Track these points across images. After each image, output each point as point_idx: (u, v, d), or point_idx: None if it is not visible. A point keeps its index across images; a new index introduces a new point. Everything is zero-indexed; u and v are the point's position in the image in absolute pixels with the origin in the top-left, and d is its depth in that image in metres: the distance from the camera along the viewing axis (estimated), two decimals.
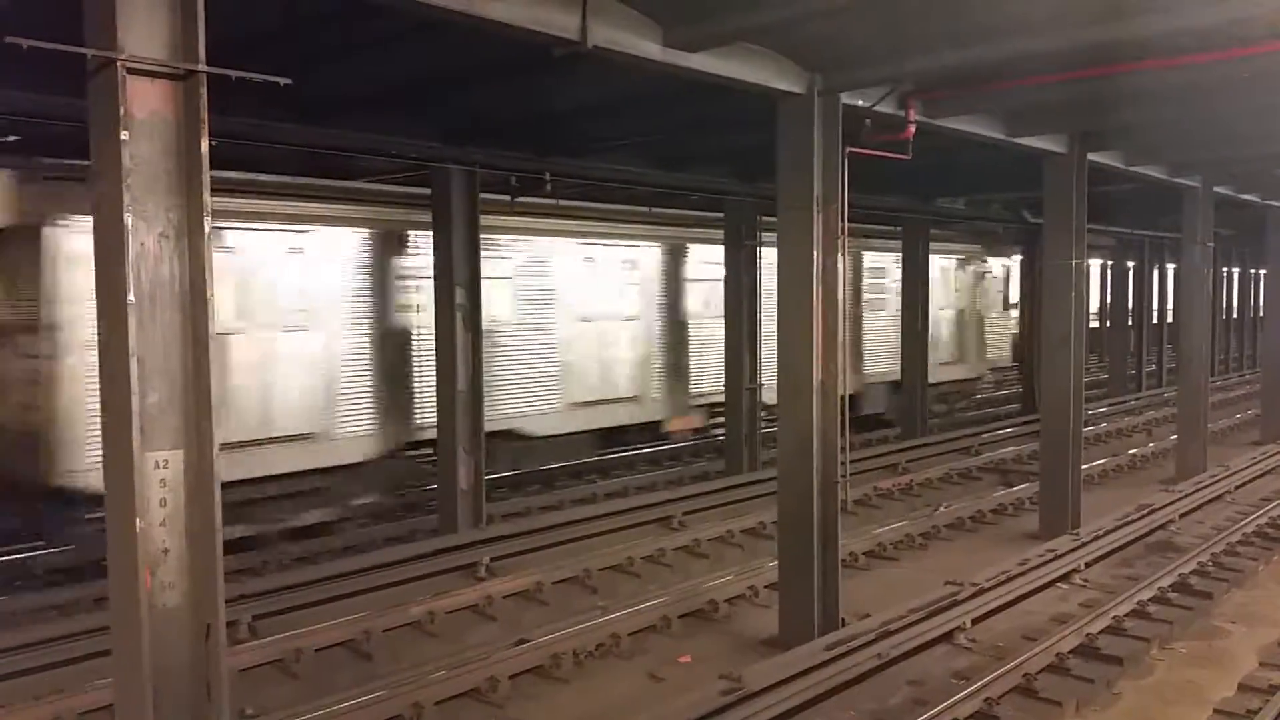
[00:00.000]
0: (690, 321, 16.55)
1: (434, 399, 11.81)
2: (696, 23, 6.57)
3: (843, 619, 8.04)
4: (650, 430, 16.32)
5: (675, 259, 16.50)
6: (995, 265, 23.56)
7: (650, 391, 15.96)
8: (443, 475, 11.68)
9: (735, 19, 6.48)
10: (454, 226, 11.51)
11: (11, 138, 9.36)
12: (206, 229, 4.42)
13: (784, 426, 8.07)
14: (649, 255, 16.11)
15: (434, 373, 11.73)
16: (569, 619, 8.36)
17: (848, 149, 7.94)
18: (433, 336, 11.77)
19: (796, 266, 7.94)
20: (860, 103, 8.04)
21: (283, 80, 4.82)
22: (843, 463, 7.97)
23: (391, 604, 8.80)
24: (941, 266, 20.85)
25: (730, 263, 15.54)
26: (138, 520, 4.21)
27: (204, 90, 4.40)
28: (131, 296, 4.23)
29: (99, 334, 4.37)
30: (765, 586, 9.12)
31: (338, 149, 10.67)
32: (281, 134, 9.70)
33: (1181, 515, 12.15)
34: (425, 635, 8.44)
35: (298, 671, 7.62)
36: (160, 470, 4.31)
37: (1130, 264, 27.64)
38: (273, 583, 9.32)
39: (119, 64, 4.17)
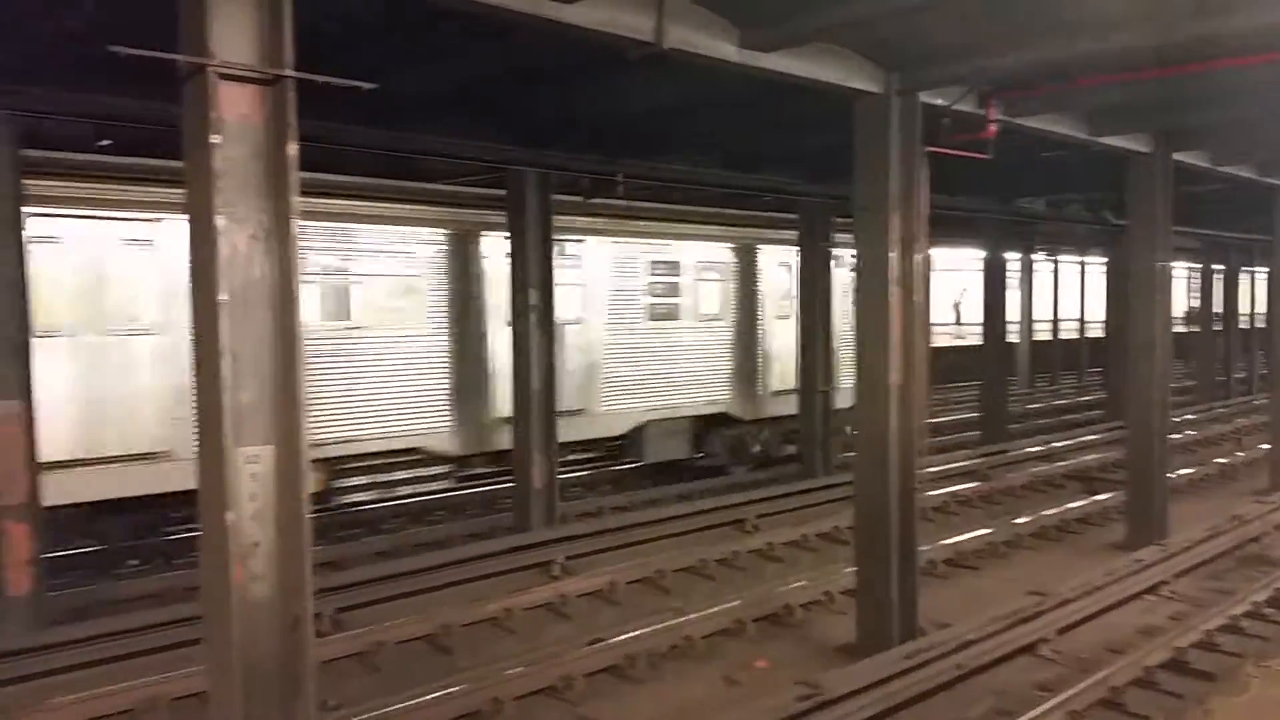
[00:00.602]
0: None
1: None
2: (773, 23, 6.54)
3: (922, 628, 7.90)
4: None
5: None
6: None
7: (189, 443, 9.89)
8: (518, 474, 11.82)
9: (813, 18, 6.43)
10: (528, 228, 11.64)
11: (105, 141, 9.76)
12: (293, 231, 4.52)
13: (861, 430, 7.97)
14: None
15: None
16: (643, 620, 8.36)
17: (926, 149, 7.81)
18: None
19: (873, 268, 7.84)
20: (939, 101, 7.91)
21: (366, 85, 4.92)
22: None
23: (469, 600, 8.93)
24: (783, 262, 16.08)
25: (805, 265, 15.41)
26: (230, 513, 4.34)
27: (291, 95, 4.50)
28: (224, 295, 4.35)
29: (194, 332, 4.50)
30: (841, 593, 9.01)
31: (415, 152, 10.89)
32: (361, 137, 9.92)
33: (1276, 527, 11.68)
34: (503, 631, 8.53)
35: (379, 664, 7.75)
36: (251, 465, 4.42)
37: (1219, 267, 26.73)
38: (355, 576, 9.53)
39: (211, 70, 4.29)
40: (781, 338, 15.78)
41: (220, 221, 4.36)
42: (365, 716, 6.38)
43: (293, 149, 4.51)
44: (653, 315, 14.01)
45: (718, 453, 15.20)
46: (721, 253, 15.15)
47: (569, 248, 13.11)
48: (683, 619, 8.25)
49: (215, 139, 4.35)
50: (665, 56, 6.22)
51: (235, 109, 4.43)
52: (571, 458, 14.04)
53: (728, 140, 12.04)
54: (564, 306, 12.51)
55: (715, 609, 8.53)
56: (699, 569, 10.21)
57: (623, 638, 7.81)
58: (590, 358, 13.43)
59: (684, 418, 14.47)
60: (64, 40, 7.16)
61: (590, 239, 13.47)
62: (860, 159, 7.87)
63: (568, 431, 12.66)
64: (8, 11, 6.86)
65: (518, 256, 11.69)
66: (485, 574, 9.88)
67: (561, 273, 12.38)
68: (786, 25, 6.55)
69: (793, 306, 15.68)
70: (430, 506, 13.13)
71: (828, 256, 15.43)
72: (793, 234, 15.45)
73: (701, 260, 14.82)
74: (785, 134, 11.32)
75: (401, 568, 9.89)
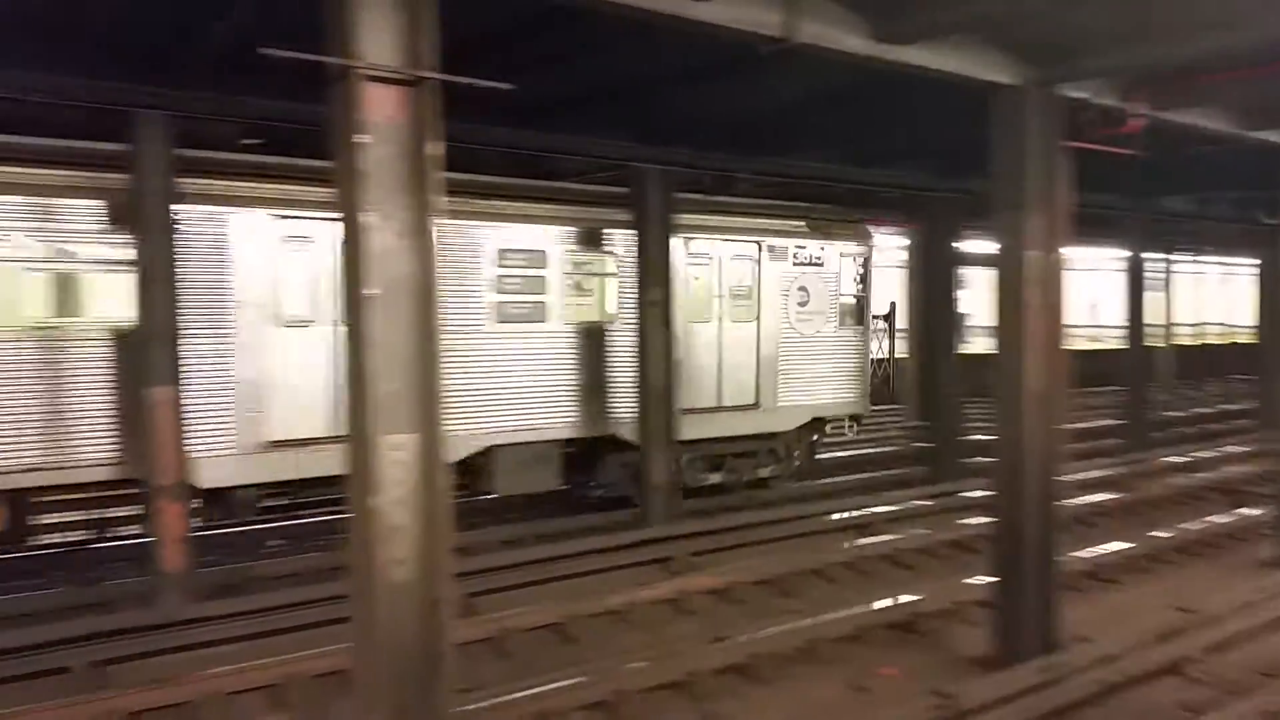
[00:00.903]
0: None
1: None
2: (907, 15, 6.41)
3: (1060, 641, 7.59)
4: None
5: None
6: (830, 256, 14.11)
7: None
8: (641, 469, 11.92)
9: (951, 11, 6.28)
10: (650, 225, 11.73)
11: (256, 140, 10.23)
12: (432, 228, 4.66)
13: (1000, 435, 7.72)
14: None
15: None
16: (766, 620, 8.32)
17: (1066, 143, 7.52)
18: None
19: (1010, 267, 7.59)
20: (1080, 94, 7.60)
21: (505, 86, 5.03)
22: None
23: (593, 592, 9.05)
24: (702, 254, 12.90)
25: (929, 265, 15.08)
26: (376, 498, 4.50)
27: (434, 95, 4.64)
28: (372, 290, 4.52)
29: (347, 325, 4.68)
30: (972, 602, 8.72)
31: (544, 151, 11.09)
32: (493, 137, 10.13)
33: None
34: (626, 624, 8.59)
35: (508, 650, 7.91)
36: (395, 453, 4.57)
37: None
38: (485, 563, 9.79)
39: (358, 71, 4.46)
40: (699, 346, 12.91)
41: (367, 219, 4.53)
42: (496, 701, 6.53)
43: (436, 149, 4.65)
44: (502, 317, 11.35)
45: (616, 482, 12.64)
46: (611, 239, 12.18)
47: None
48: (808, 621, 8.18)
49: (362, 139, 4.51)
50: (793, 52, 6.16)
51: (381, 110, 4.58)
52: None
53: (850, 136, 11.84)
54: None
55: (840, 614, 8.42)
56: (823, 572, 10.07)
57: (747, 638, 7.79)
58: None
59: (549, 442, 11.61)
60: (217, 44, 7.56)
61: None
62: (996, 155, 7.63)
63: None
64: (164, 17, 7.31)
65: (641, 253, 11.80)
66: (608, 567, 10.03)
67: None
68: (921, 18, 6.41)
69: (717, 308, 13.04)
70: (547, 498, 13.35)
71: (953, 256, 15.00)
72: (723, 220, 13.13)
73: (580, 248, 11.92)
74: (911, 129, 11.09)
75: (528, 556, 10.10)
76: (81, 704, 6.56)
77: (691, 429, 12.77)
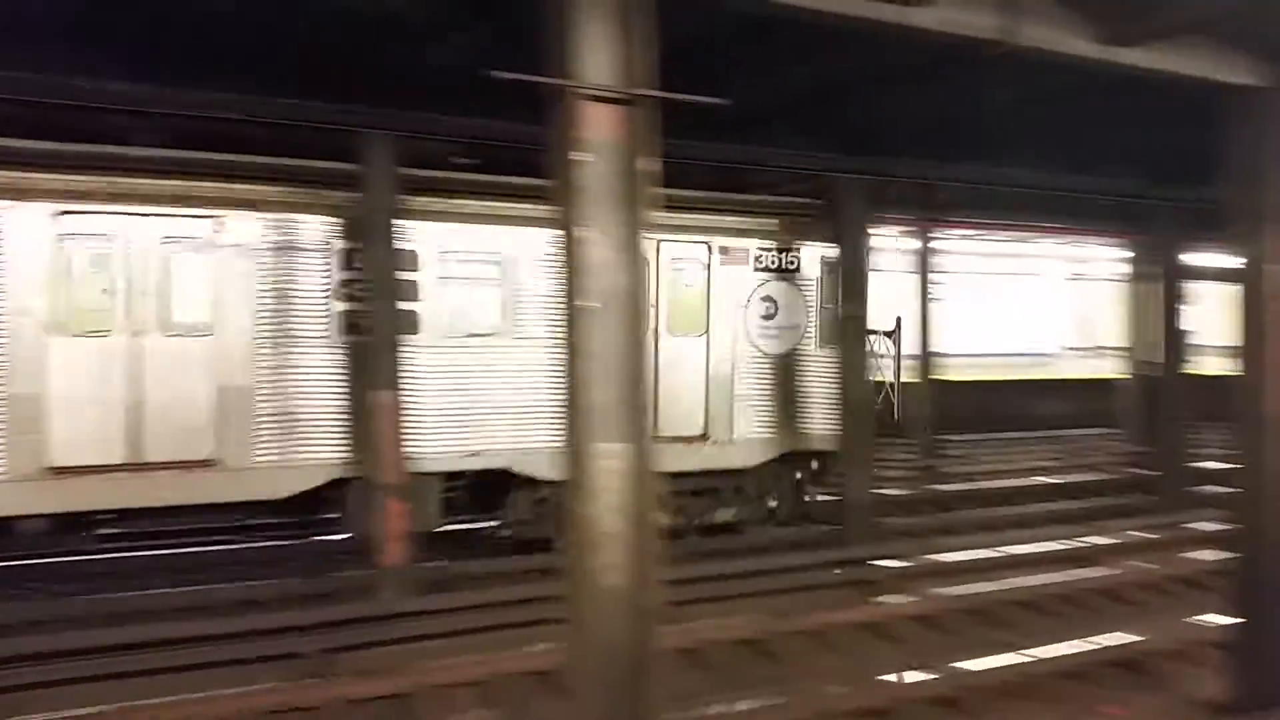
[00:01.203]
0: None
1: None
2: (1137, 15, 6.04)
3: None
4: None
5: None
6: (808, 260, 11.96)
7: None
8: (843, 487, 11.73)
9: (1187, 10, 5.90)
10: (846, 238, 11.58)
11: (467, 159, 10.71)
12: (642, 243, 4.76)
13: (1239, 463, 7.11)
14: None
15: None
16: (974, 651, 8.00)
17: None
18: None
19: (1248, 282, 6.99)
20: None
21: (719, 101, 5.09)
22: None
23: (791, 609, 8.94)
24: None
25: (1160, 278, 14.13)
26: (589, 505, 4.64)
27: (650, 113, 4.75)
28: (589, 302, 4.66)
29: (567, 337, 4.85)
30: (1203, 643, 8.03)
31: (742, 163, 11.13)
32: (695, 151, 10.13)
33: None
34: (824, 645, 8.39)
35: (707, 662, 7.86)
36: (609, 461, 4.68)
37: None
38: (684, 573, 9.68)
39: (577, 91, 4.61)
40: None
41: (584, 234, 4.67)
42: (698, 715, 6.59)
43: (650, 165, 4.75)
44: (351, 328, 9.74)
45: (529, 521, 10.73)
46: (501, 239, 10.37)
47: (200, 224, 9.31)
48: (1020, 654, 7.81)
49: (580, 156, 4.66)
50: (1005, 56, 5.91)
51: (599, 128, 4.71)
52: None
53: (1062, 140, 11.26)
54: (190, 308, 9.24)
55: (1056, 647, 8.03)
56: (1035, 603, 9.51)
57: (955, 666, 7.55)
58: (234, 384, 9.30)
59: (426, 474, 9.84)
60: (432, 68, 8.03)
61: (234, 212, 9.41)
62: (1232, 161, 7.05)
63: (192, 490, 9.17)
64: (384, 45, 7.82)
65: (842, 266, 11.71)
66: (807, 586, 9.88)
67: (188, 260, 9.24)
68: (1155, 18, 6.03)
69: (651, 319, 10.69)
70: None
71: (1177, 269, 13.98)
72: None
73: (455, 250, 10.21)
74: (1130, 132, 10.44)
75: (728, 569, 10.07)
76: (311, 689, 7.06)
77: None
